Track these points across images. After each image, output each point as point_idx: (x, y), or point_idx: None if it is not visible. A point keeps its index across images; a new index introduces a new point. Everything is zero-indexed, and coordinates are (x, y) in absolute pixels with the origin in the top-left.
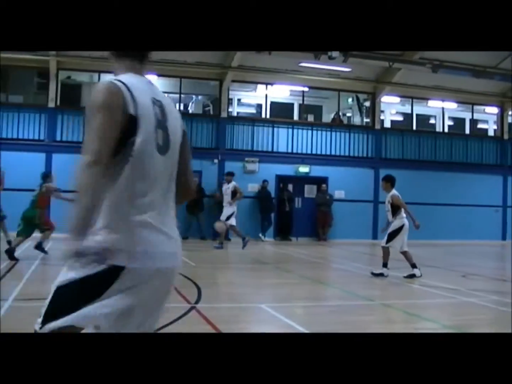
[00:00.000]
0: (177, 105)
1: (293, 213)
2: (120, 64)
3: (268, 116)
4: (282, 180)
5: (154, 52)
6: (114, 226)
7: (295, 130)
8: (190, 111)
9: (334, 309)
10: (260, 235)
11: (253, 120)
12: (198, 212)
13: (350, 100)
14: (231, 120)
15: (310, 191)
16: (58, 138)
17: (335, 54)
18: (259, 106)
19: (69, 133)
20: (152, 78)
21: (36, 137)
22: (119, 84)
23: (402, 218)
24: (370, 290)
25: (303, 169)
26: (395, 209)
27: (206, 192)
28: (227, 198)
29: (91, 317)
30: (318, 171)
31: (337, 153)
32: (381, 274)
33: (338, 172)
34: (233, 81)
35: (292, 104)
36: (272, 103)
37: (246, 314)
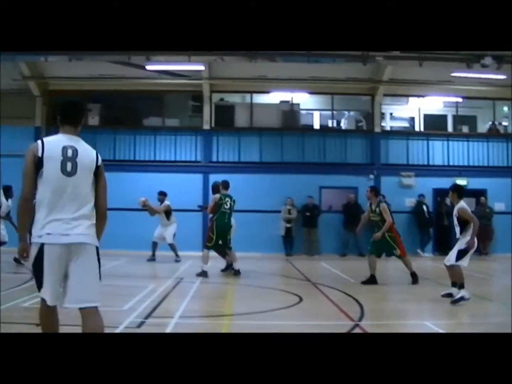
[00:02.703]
0: (330, 121)
1: (452, 227)
2: (60, 128)
3: (421, 129)
4: (439, 193)
5: (305, 70)
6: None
7: (450, 142)
8: (343, 127)
9: (501, 327)
10: (419, 250)
11: (407, 133)
12: (355, 229)
13: (506, 108)
14: (384, 134)
15: (468, 204)
16: (214, 159)
17: (488, 61)
18: (411, 119)
19: (225, 154)
20: (305, 95)
21: (193, 159)
22: (38, 141)
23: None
24: None
25: (461, 181)
26: (464, 224)
27: (364, 208)
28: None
29: None
30: (476, 183)
31: (495, 164)
32: (462, 298)
33: (497, 183)
34: (385, 95)
35: (446, 116)
36: (425, 115)
37: (411, 331)
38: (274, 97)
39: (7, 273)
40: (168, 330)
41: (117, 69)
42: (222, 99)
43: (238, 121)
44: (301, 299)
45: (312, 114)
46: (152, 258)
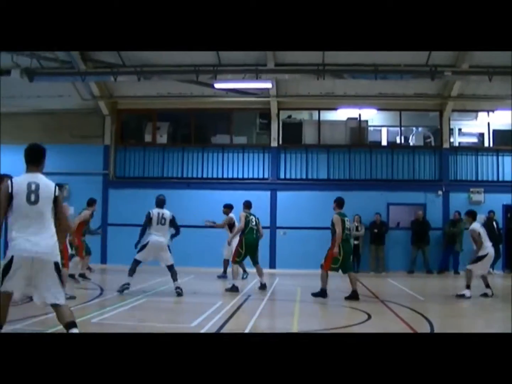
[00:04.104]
0: (398, 138)
1: None
2: (27, 168)
3: (491, 145)
4: (509, 210)
5: (372, 87)
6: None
7: None
8: (411, 144)
9: None
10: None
11: (476, 149)
12: (423, 246)
13: None
14: (453, 150)
15: None
16: (282, 176)
17: None
18: (480, 135)
19: (292, 171)
20: (372, 112)
21: (261, 176)
22: (8, 181)
23: (486, 248)
24: None
25: None
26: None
27: (432, 225)
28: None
29: None
30: None
31: None
32: (463, 295)
33: None
34: (454, 110)
35: None
36: (494, 130)
37: None
38: (342, 114)
39: (77, 288)
40: None
41: (185, 87)
42: (289, 116)
43: (306, 138)
44: (369, 317)
45: (380, 130)
46: (223, 275)
